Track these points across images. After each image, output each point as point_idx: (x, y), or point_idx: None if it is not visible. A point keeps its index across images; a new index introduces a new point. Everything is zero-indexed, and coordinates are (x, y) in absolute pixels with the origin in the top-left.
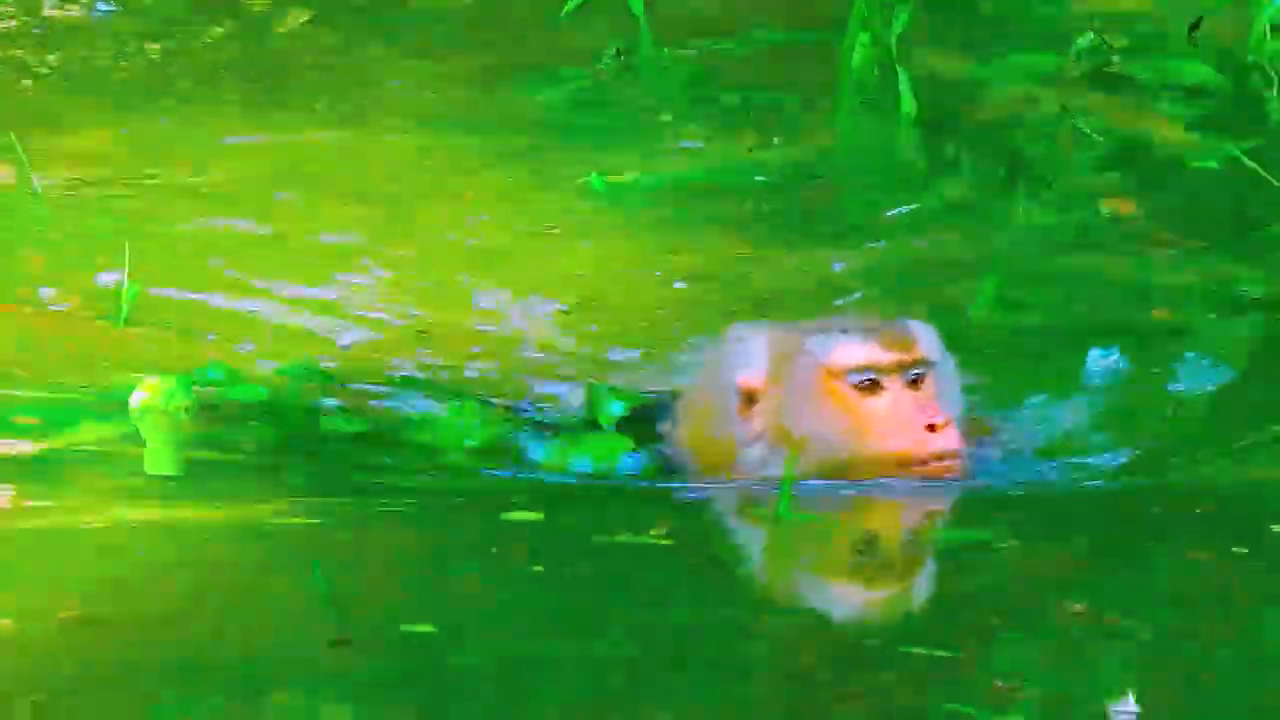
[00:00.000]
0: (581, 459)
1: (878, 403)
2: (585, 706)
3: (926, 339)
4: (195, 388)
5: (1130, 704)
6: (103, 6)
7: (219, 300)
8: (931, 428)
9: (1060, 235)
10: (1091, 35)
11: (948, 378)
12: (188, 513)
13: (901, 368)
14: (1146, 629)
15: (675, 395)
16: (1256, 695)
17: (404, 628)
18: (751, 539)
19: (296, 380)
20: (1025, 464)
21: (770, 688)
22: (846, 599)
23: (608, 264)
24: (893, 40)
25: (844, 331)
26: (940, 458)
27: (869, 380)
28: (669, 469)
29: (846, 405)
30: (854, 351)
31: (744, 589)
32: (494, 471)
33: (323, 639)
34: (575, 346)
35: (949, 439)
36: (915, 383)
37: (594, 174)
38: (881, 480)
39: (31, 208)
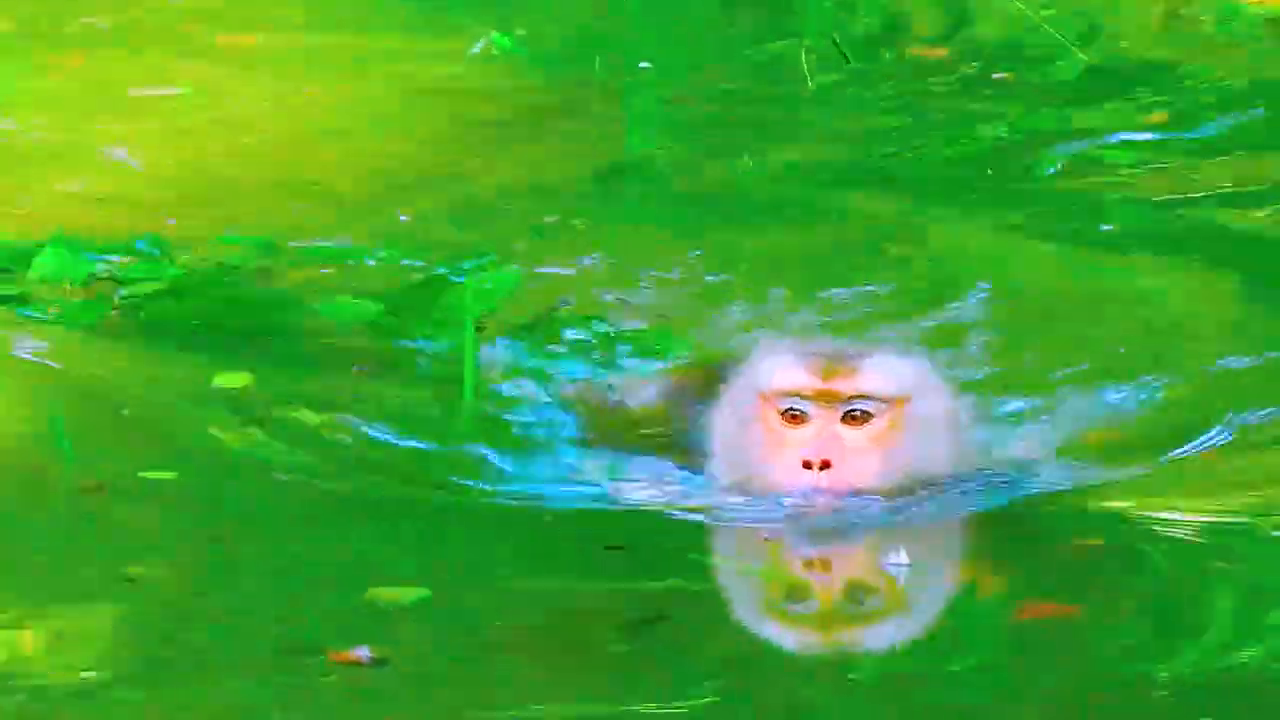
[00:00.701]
0: None
1: (795, 433)
2: None
3: (885, 369)
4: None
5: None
6: None
7: None
8: (808, 465)
9: None
10: None
11: (928, 420)
12: None
13: (831, 399)
14: None
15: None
16: None
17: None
18: None
19: None
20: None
21: None
22: None
23: None
24: None
25: (793, 354)
26: (808, 500)
27: (795, 409)
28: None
29: (766, 431)
30: (781, 376)
31: None
32: None
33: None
34: None
35: (824, 481)
36: (853, 418)
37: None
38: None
39: None
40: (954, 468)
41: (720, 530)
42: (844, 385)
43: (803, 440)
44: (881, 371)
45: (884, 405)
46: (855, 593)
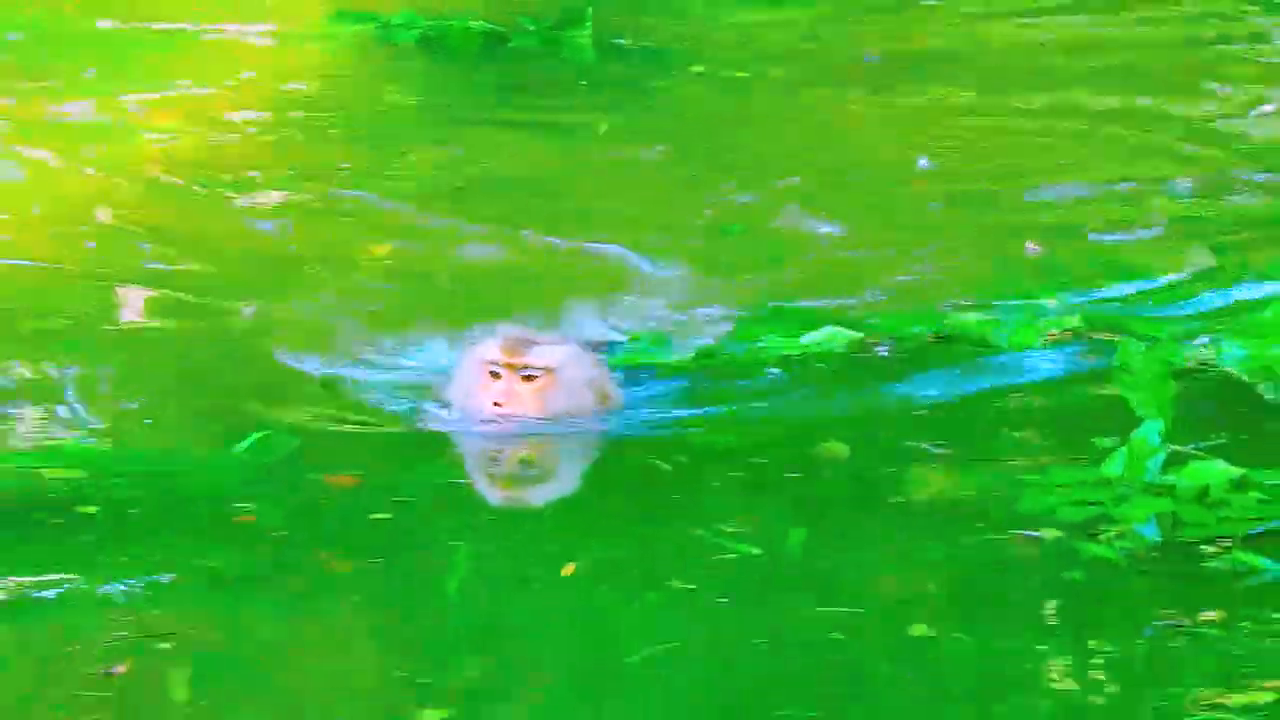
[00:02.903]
0: None
1: (493, 384)
2: None
3: (549, 353)
4: None
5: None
6: None
7: None
8: (497, 405)
9: None
10: None
11: (570, 380)
12: None
13: (513, 369)
14: None
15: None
16: None
17: None
18: None
19: None
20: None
21: None
22: None
23: None
24: None
25: (496, 336)
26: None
27: (493, 370)
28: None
29: (481, 382)
30: (488, 351)
31: None
32: None
33: None
34: None
35: (498, 414)
36: (528, 379)
37: None
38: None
39: None
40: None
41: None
42: (518, 360)
43: (497, 389)
44: (542, 353)
45: (542, 372)
46: (525, 464)
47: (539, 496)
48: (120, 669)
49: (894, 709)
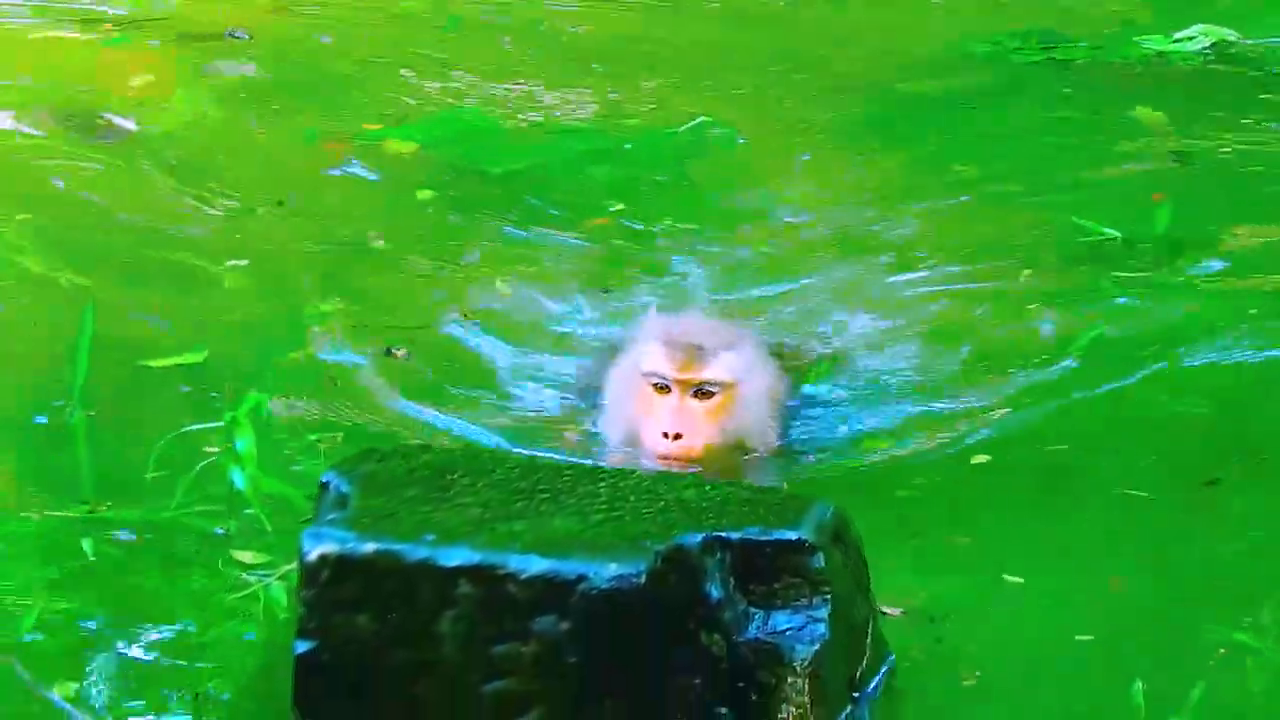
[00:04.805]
0: None
1: (660, 401)
2: None
3: (725, 362)
4: None
5: None
6: None
7: None
8: (666, 435)
9: None
10: None
11: (752, 396)
12: None
13: (685, 384)
14: None
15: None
16: None
17: None
18: None
19: None
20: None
21: None
22: None
23: None
24: None
25: (661, 342)
26: (666, 458)
27: (661, 384)
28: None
29: (642, 397)
30: (652, 361)
31: None
32: None
33: None
34: None
35: (675, 449)
36: (701, 395)
37: None
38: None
39: None
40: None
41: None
42: (693, 375)
43: (665, 407)
44: (720, 364)
45: (721, 387)
46: None
47: None
48: None
49: None
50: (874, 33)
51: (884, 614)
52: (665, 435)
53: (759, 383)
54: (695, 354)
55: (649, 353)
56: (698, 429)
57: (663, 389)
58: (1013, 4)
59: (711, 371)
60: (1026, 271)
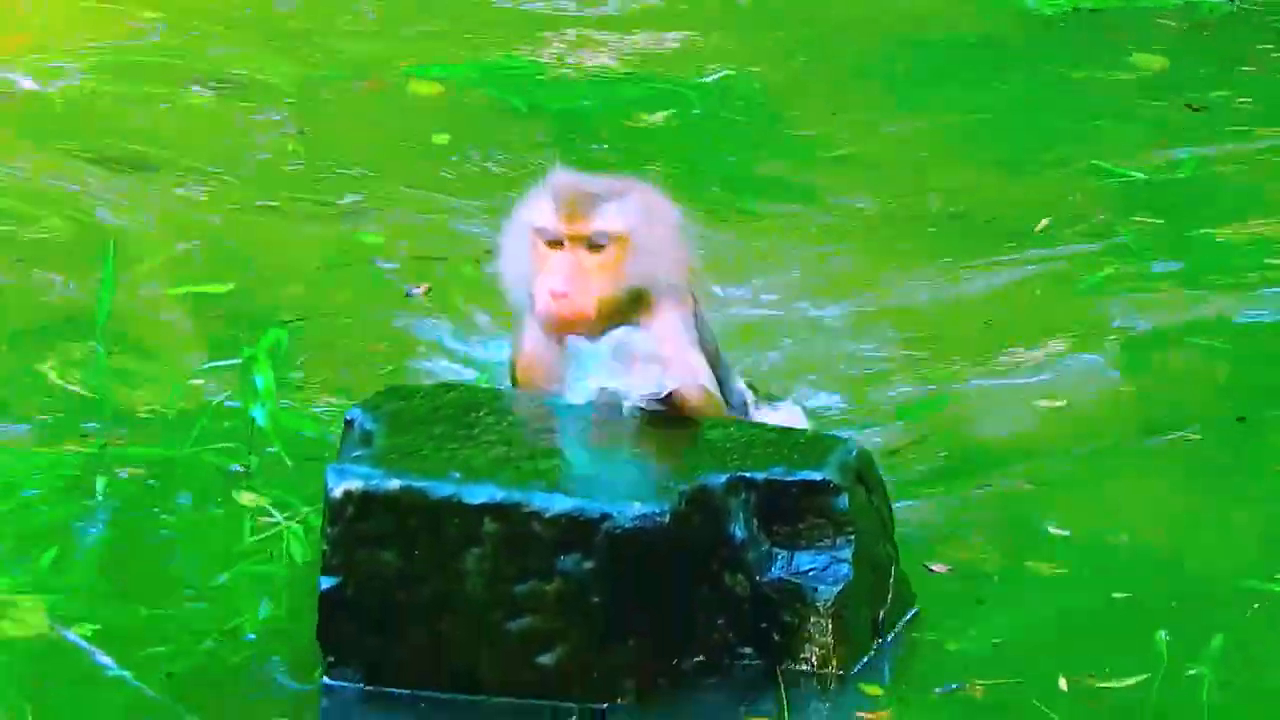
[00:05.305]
0: None
1: (552, 257)
2: None
3: (614, 210)
4: None
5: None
6: None
7: None
8: (554, 295)
9: None
10: None
11: (650, 245)
12: None
13: (575, 238)
14: None
15: None
16: None
17: None
18: None
19: None
20: None
21: None
22: None
23: None
24: None
25: (549, 195)
26: (550, 319)
27: (552, 239)
28: None
29: (536, 255)
30: (539, 214)
31: None
32: None
33: None
34: None
35: (561, 309)
36: (593, 248)
37: None
38: None
39: None
40: (678, 276)
41: None
42: (580, 228)
43: (554, 264)
44: (610, 213)
45: (611, 238)
46: None
47: None
48: None
49: None
50: None
51: (930, 571)
52: (553, 295)
53: (658, 231)
54: (582, 204)
55: (537, 206)
56: (587, 286)
57: (554, 243)
58: None
59: (601, 222)
60: (1046, 219)
